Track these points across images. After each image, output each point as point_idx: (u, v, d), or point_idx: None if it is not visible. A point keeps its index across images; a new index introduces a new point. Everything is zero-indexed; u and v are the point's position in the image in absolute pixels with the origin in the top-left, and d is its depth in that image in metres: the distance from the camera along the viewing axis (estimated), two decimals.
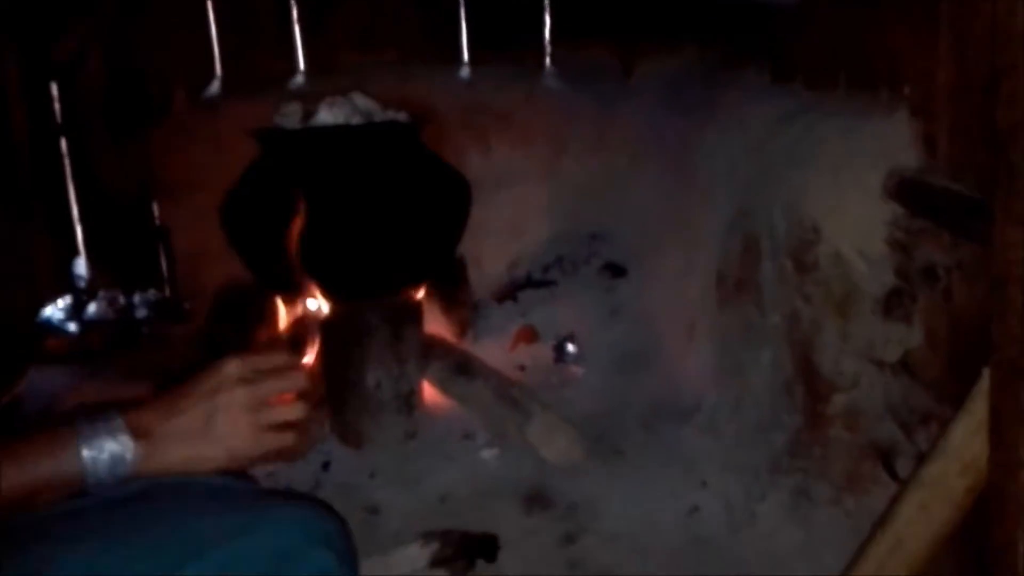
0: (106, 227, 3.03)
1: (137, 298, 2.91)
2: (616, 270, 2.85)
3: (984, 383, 1.25)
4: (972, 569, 1.43)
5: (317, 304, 2.37)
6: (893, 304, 1.62)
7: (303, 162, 2.23)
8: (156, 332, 2.80)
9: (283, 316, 2.49)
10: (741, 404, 2.01)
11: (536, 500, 2.06)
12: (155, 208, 3.05)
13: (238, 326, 2.47)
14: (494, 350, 2.66)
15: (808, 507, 1.79)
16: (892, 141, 1.59)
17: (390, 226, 2.21)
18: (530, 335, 2.77)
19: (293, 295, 2.40)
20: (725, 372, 2.11)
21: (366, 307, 2.26)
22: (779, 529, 1.82)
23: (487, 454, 2.22)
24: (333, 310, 2.31)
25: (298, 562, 1.09)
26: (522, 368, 2.64)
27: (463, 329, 2.71)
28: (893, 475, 1.63)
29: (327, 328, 2.31)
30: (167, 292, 3.01)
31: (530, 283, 2.97)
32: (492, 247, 2.99)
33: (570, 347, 2.66)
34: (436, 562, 1.79)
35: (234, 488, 1.18)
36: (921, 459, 1.46)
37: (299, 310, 2.44)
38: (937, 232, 1.50)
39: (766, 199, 1.89)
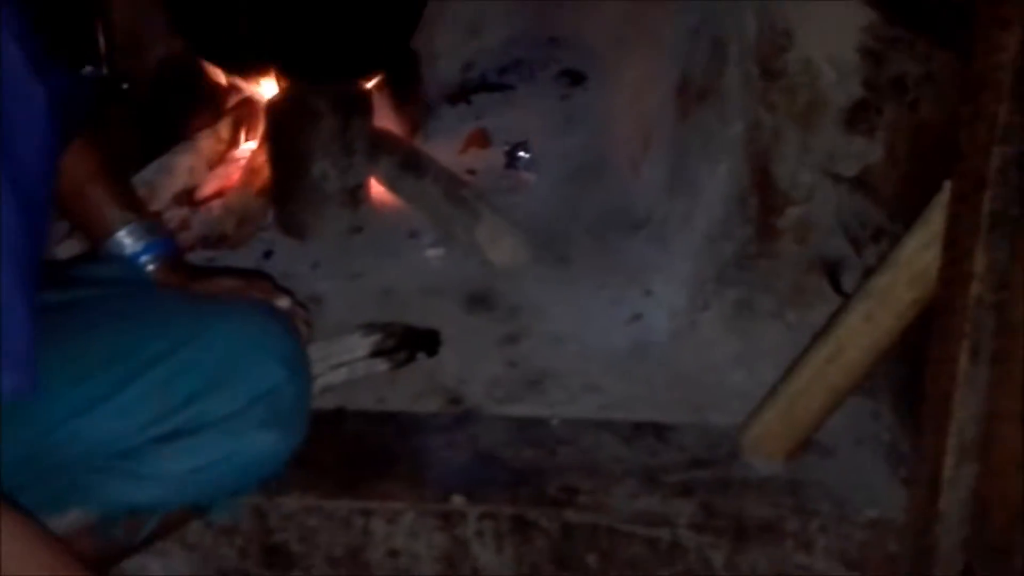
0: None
1: None
2: (575, 77, 2.76)
3: (944, 195, 1.24)
4: (907, 383, 1.45)
5: (262, 86, 2.26)
6: (858, 117, 1.59)
7: None
8: (93, 112, 2.68)
9: (226, 98, 2.38)
10: (692, 216, 1.99)
11: (479, 300, 2.05)
12: None
13: (179, 107, 2.36)
14: (444, 152, 2.58)
15: (749, 318, 1.81)
16: None
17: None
18: (482, 139, 2.69)
19: (237, 75, 2.29)
20: (679, 183, 2.08)
21: (314, 92, 2.16)
22: (719, 339, 1.84)
23: (432, 253, 2.19)
24: (279, 93, 2.21)
25: (246, 373, 1.06)
26: (472, 172, 2.57)
27: (414, 128, 2.62)
28: (838, 290, 1.64)
29: (272, 113, 2.21)
30: (105, 70, 2.86)
31: (485, 86, 2.87)
32: (447, 45, 2.86)
33: (522, 153, 2.59)
34: (377, 352, 1.78)
35: (186, 295, 1.14)
36: (868, 273, 1.47)
37: (243, 92, 2.33)
38: (912, 41, 1.45)
39: (739, 2, 1.81)
